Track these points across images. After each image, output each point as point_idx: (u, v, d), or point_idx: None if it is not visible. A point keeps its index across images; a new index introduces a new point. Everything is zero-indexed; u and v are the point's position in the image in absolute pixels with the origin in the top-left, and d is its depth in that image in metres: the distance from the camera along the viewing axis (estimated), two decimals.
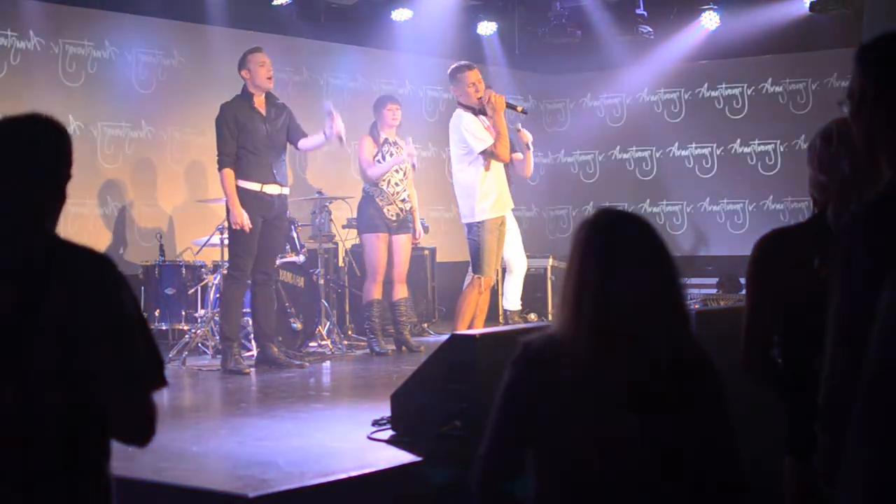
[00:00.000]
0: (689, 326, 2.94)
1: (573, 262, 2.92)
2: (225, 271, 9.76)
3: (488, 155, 9.07)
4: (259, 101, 9.33)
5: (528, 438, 2.93)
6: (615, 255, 2.87)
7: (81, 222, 10.81)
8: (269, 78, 9.37)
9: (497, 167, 9.19)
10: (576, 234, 2.95)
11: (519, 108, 9.51)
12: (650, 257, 2.90)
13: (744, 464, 2.96)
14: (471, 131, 9.07)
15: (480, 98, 9.16)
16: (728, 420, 2.95)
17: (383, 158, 10.44)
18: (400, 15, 13.12)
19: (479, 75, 9.37)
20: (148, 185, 11.66)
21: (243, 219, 9.02)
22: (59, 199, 2.99)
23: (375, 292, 10.51)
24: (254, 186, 9.15)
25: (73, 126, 10.92)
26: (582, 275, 2.88)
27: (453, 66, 9.55)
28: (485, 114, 9.20)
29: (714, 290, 13.73)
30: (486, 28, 14.02)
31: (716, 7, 13.59)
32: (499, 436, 2.99)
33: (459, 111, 9.24)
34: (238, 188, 9.10)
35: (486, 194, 9.10)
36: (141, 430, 2.90)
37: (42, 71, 10.77)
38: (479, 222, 9.08)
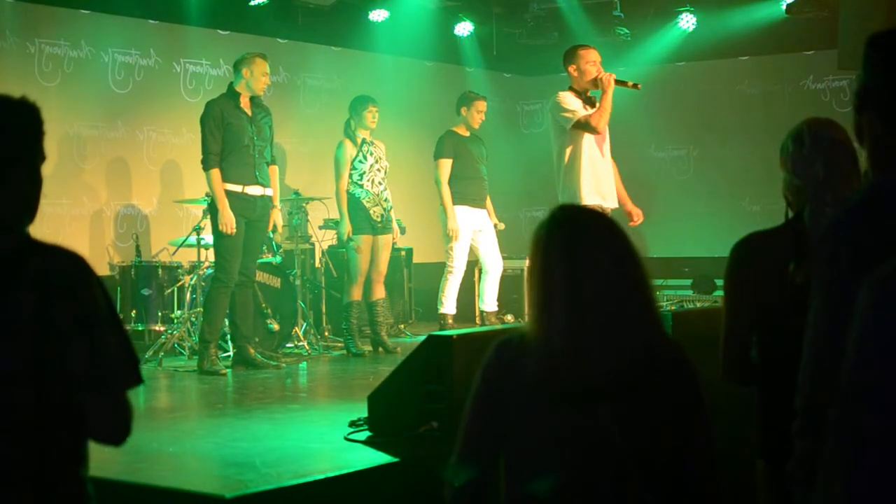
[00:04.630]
0: (660, 322, 2.94)
1: (539, 261, 2.91)
2: (202, 272, 9.77)
3: (582, 127, 8.75)
4: (245, 102, 9.33)
5: (500, 443, 2.92)
6: (583, 253, 2.86)
7: (57, 222, 10.77)
8: (264, 87, 9.45)
9: (595, 155, 8.86)
10: (537, 232, 2.94)
11: (630, 84, 9.13)
12: (618, 254, 2.89)
13: (719, 465, 2.96)
14: (564, 105, 8.79)
15: (594, 79, 8.88)
16: (705, 416, 2.94)
17: (364, 159, 10.45)
18: (377, 16, 13.12)
19: (599, 56, 9.09)
20: (124, 186, 11.62)
21: (232, 223, 9.01)
22: (28, 184, 2.90)
23: (357, 293, 10.52)
24: (236, 188, 9.14)
25: (48, 126, 10.87)
26: (549, 273, 2.88)
27: (572, 45, 9.36)
28: (591, 104, 8.93)
29: (690, 292, 13.76)
30: (464, 29, 14.03)
31: (693, 9, 13.63)
32: (471, 441, 2.98)
33: (559, 92, 8.92)
34: None
35: (578, 179, 8.77)
36: (116, 429, 2.87)
37: (18, 70, 10.72)
38: None
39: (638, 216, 9.18)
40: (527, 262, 3.00)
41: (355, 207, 10.44)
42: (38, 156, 2.93)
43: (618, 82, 8.91)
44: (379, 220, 10.51)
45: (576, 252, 2.86)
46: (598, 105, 8.85)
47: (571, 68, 9.02)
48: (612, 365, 2.81)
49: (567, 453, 2.83)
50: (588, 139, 8.81)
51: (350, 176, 10.44)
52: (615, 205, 9.03)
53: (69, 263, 2.83)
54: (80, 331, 2.77)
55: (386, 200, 10.58)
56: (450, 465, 2.98)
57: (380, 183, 10.53)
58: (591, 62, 8.94)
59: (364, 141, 10.52)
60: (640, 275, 2.89)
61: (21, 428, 2.75)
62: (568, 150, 8.82)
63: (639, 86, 9.33)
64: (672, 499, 2.91)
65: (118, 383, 2.85)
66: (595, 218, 2.94)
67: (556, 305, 2.85)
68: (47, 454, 2.78)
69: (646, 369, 2.85)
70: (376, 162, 10.53)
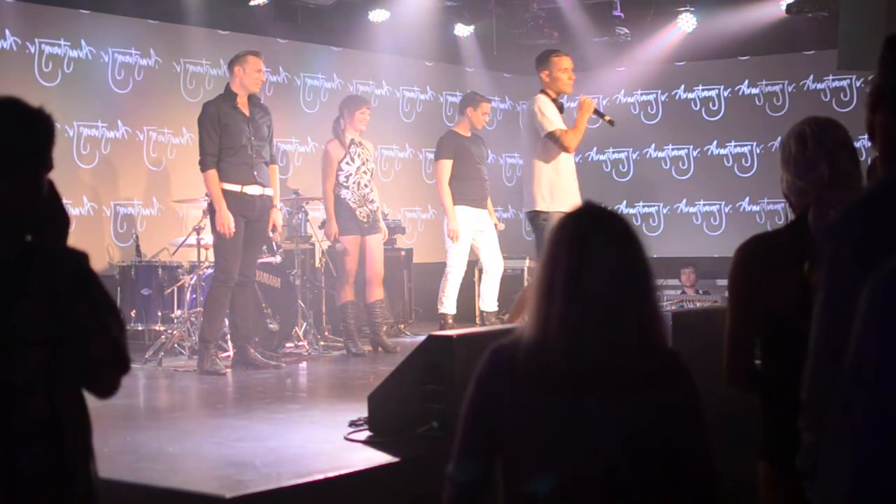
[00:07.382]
0: (662, 330, 2.92)
1: (547, 251, 2.90)
2: (202, 272, 9.77)
3: (554, 140, 9.13)
4: (242, 102, 9.32)
5: (496, 445, 2.92)
6: (593, 248, 2.85)
7: None
8: (259, 84, 9.41)
9: (566, 162, 9.28)
10: (554, 229, 2.94)
11: (607, 118, 9.55)
12: (629, 255, 2.87)
13: (715, 460, 2.95)
14: (543, 112, 9.15)
15: (564, 91, 9.33)
16: (700, 427, 2.91)
17: (352, 160, 10.46)
18: (377, 16, 13.13)
19: (571, 63, 9.44)
20: (124, 186, 11.62)
21: (229, 223, 9.01)
22: (28, 189, 2.88)
23: (349, 294, 10.54)
24: (234, 188, 9.14)
25: None
26: (555, 263, 2.87)
27: (545, 50, 9.72)
28: (562, 109, 9.33)
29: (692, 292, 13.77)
30: (464, 29, 14.03)
31: (693, 9, 13.63)
32: (467, 444, 2.97)
33: (537, 96, 9.30)
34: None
35: (548, 184, 9.19)
36: (103, 393, 2.96)
37: (18, 70, 10.73)
38: (539, 212, 9.17)
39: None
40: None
41: (342, 208, 10.46)
42: (34, 163, 2.90)
43: (596, 112, 9.38)
44: (365, 220, 10.52)
45: (585, 246, 2.84)
46: (575, 123, 9.23)
47: (544, 73, 9.37)
48: (606, 361, 2.80)
49: (561, 452, 2.83)
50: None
51: (336, 177, 10.46)
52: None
53: (72, 266, 2.87)
54: (82, 334, 2.81)
55: (372, 201, 10.59)
56: (448, 466, 2.98)
57: (365, 185, 10.54)
58: (563, 70, 9.32)
59: (353, 141, 10.53)
60: (647, 280, 2.87)
61: (37, 432, 2.78)
62: (543, 158, 9.23)
63: (613, 123, 9.66)
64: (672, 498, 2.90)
65: (109, 376, 2.94)
66: (611, 217, 2.92)
67: (556, 295, 2.83)
68: (63, 455, 2.82)
69: (640, 372, 2.83)
70: (363, 164, 10.55)
